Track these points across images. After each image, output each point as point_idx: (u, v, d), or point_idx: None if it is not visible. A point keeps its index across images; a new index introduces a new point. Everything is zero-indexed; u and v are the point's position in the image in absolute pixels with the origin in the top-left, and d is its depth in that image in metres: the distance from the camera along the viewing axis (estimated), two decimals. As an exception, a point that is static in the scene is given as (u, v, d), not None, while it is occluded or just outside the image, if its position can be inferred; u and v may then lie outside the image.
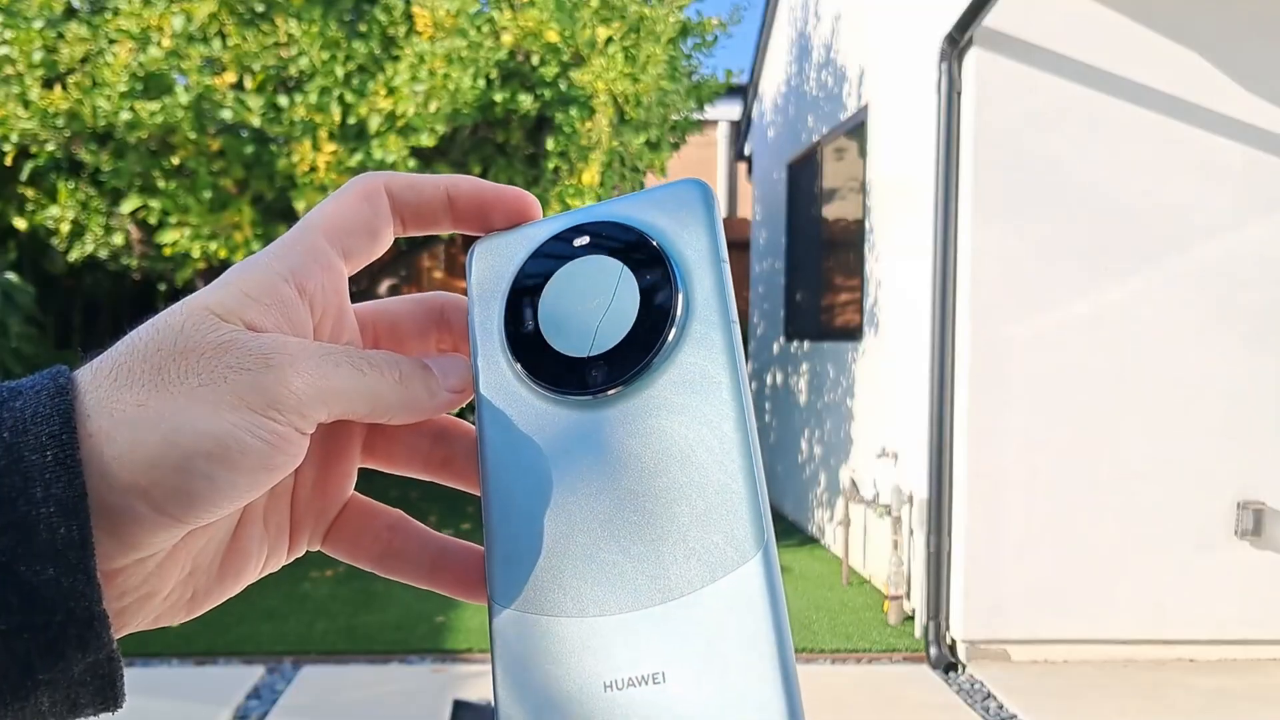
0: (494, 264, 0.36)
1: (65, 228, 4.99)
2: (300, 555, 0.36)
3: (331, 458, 0.35)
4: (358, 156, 4.63)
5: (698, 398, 0.31)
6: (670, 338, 0.32)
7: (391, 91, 4.64)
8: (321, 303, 0.33)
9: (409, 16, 4.88)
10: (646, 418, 0.32)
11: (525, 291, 0.34)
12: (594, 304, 0.33)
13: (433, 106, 4.59)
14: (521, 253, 0.35)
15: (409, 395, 0.32)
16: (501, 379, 0.34)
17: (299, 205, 4.67)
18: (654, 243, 0.33)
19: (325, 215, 0.33)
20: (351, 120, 4.69)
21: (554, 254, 0.35)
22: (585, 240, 0.34)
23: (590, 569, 0.30)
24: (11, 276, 5.33)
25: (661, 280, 0.33)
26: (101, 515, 0.27)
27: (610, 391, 0.32)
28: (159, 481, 0.27)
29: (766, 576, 0.29)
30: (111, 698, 0.28)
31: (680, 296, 0.32)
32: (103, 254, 5.20)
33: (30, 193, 5.07)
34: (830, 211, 6.12)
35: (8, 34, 4.51)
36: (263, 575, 0.35)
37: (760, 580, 0.29)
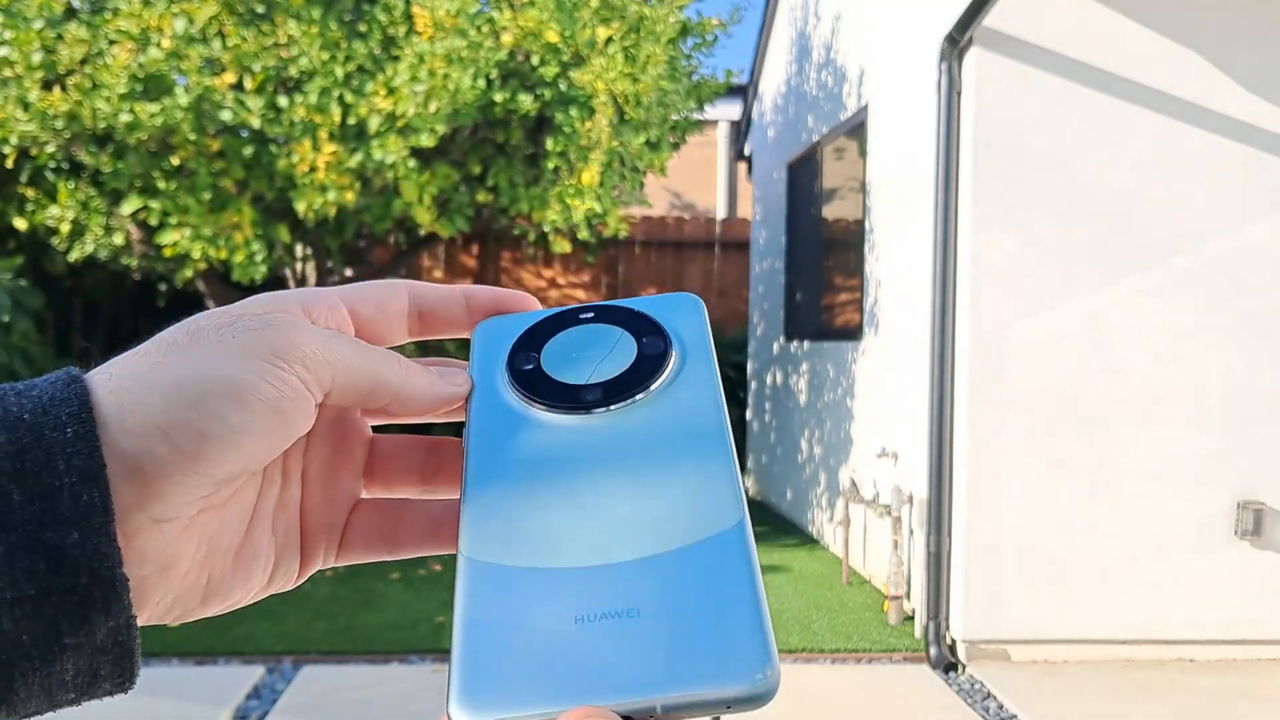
0: (500, 331, 0.38)
1: (65, 228, 4.99)
2: (314, 571, 0.37)
3: (338, 467, 0.37)
4: (358, 157, 4.63)
5: (683, 416, 0.34)
6: (663, 374, 0.35)
7: (391, 92, 4.63)
8: None
9: (409, 16, 4.88)
10: (633, 426, 0.34)
11: (530, 343, 0.38)
12: (594, 353, 0.37)
13: (433, 107, 4.59)
14: (528, 321, 0.39)
15: (410, 381, 0.35)
16: (495, 397, 0.36)
17: (299, 205, 4.67)
18: (653, 317, 0.38)
19: (344, 285, 0.37)
20: (351, 120, 4.69)
21: (560, 320, 0.38)
22: (590, 315, 0.38)
23: (568, 524, 0.31)
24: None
25: (658, 340, 0.37)
26: (121, 462, 0.29)
27: (601, 410, 0.34)
28: (175, 420, 0.29)
29: (744, 538, 0.30)
30: (129, 671, 0.29)
31: (674, 351, 0.36)
32: (103, 254, 5.20)
33: (30, 193, 5.07)
34: (830, 211, 6.12)
35: (7, 34, 4.50)
36: (273, 589, 0.36)
37: (740, 540, 0.30)
